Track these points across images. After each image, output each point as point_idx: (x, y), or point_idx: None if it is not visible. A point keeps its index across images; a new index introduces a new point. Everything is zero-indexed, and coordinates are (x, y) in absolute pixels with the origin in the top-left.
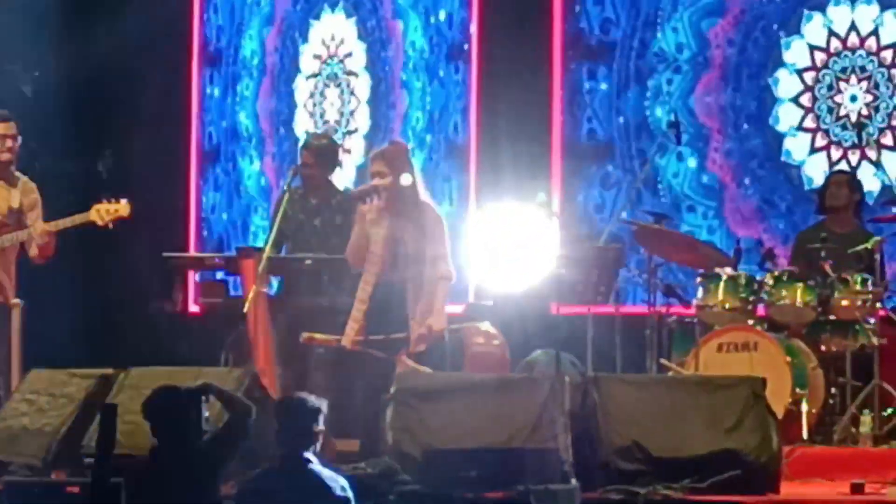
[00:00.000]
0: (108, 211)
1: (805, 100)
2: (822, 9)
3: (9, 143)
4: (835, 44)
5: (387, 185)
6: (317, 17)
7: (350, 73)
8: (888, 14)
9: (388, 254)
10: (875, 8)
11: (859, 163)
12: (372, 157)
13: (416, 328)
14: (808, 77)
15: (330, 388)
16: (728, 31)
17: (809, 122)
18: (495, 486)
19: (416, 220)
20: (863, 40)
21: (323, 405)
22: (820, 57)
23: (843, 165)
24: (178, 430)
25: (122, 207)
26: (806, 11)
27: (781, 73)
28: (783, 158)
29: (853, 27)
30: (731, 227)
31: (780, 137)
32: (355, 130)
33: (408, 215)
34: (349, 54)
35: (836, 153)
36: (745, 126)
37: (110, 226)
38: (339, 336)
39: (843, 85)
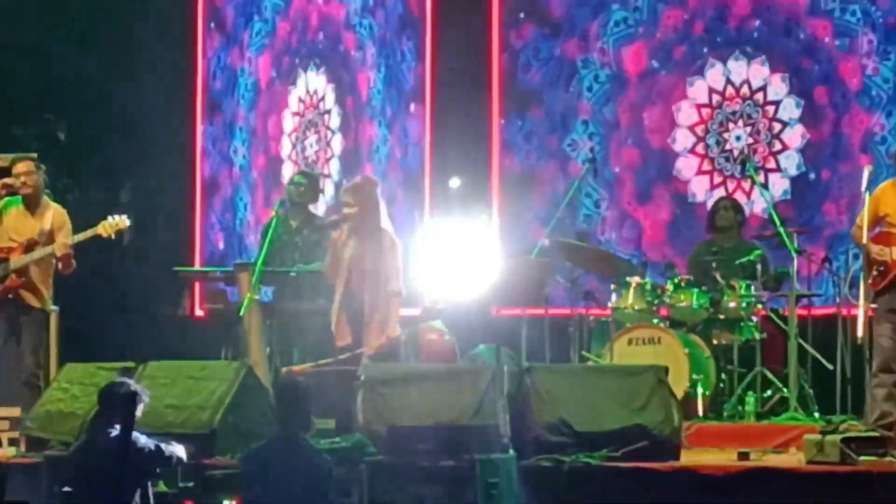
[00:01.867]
0: (112, 225)
1: (698, 138)
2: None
3: (23, 178)
4: (731, 91)
5: (353, 214)
6: (296, 80)
7: (327, 124)
8: (776, 76)
9: (353, 270)
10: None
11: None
12: (343, 190)
13: (376, 333)
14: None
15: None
16: (633, 97)
17: (700, 149)
18: (447, 456)
19: (376, 243)
20: (753, 93)
21: (312, 389)
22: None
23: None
24: (123, 417)
25: (122, 221)
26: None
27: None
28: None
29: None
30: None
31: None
32: (326, 175)
33: (369, 239)
34: (328, 110)
35: (722, 181)
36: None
37: (114, 237)
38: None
39: (728, 127)
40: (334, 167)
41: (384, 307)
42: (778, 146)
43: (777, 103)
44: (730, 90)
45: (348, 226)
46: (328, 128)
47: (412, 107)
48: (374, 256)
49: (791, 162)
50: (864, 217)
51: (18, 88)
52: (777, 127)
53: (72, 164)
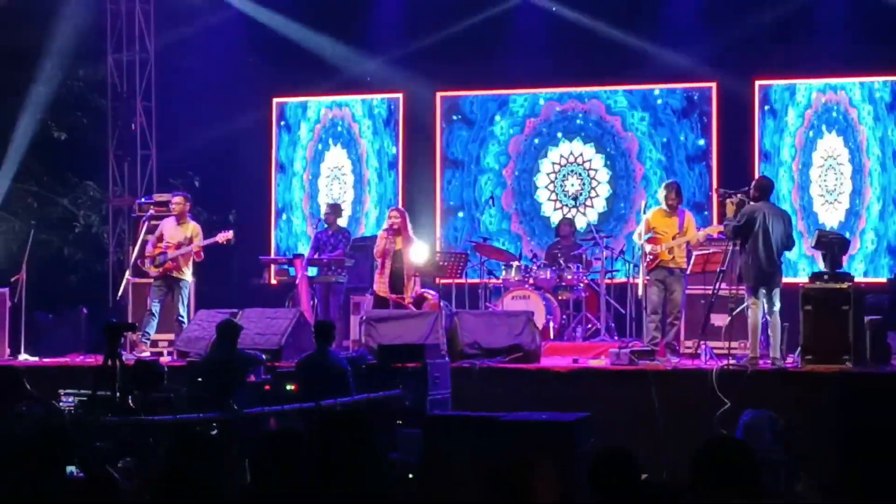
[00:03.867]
0: (224, 236)
1: (551, 185)
2: (556, 144)
3: (175, 204)
4: (570, 159)
5: (399, 222)
6: (328, 149)
7: (344, 177)
8: (588, 147)
9: (398, 254)
10: (580, 144)
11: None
12: (392, 210)
13: (410, 290)
14: (554, 171)
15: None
16: (513, 165)
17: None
18: (411, 360)
19: (408, 239)
20: (581, 160)
21: (335, 325)
22: (560, 164)
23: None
24: (231, 340)
25: (230, 234)
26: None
27: (539, 177)
28: (541, 213)
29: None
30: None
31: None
32: (344, 201)
33: (405, 236)
34: (343, 166)
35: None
36: (527, 200)
37: (225, 243)
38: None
39: (568, 179)
40: (349, 200)
41: (412, 275)
42: (596, 189)
43: (597, 170)
44: (570, 157)
45: (392, 229)
46: (345, 179)
47: (392, 167)
48: (406, 245)
49: (603, 197)
50: (642, 228)
51: (171, 157)
52: (595, 181)
53: (202, 198)
